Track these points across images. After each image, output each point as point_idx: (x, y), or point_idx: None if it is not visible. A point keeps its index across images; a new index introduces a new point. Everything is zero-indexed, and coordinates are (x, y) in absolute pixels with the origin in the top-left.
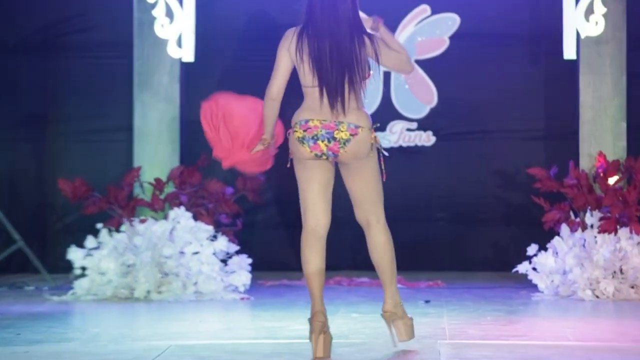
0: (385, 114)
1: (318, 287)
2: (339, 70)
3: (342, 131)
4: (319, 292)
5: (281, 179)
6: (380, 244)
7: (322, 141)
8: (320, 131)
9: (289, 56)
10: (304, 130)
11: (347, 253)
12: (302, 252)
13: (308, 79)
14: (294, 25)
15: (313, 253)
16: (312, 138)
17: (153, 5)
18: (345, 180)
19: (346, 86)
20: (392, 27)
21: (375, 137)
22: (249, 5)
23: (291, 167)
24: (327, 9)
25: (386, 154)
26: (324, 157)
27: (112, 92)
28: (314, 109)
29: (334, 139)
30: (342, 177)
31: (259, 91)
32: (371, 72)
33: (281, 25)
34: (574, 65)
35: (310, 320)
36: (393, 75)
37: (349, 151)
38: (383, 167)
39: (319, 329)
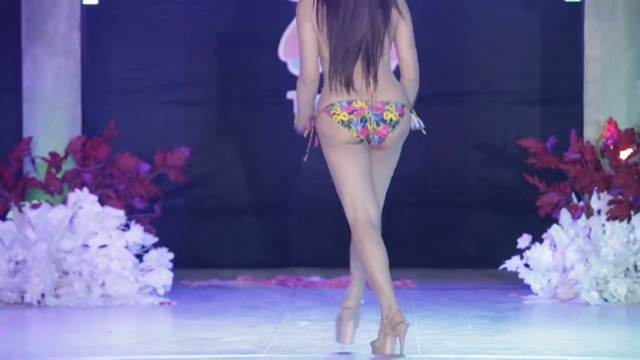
0: None
1: (390, 282)
2: (368, 40)
3: (391, 112)
4: (391, 287)
5: (209, 152)
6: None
7: (371, 124)
8: (368, 113)
9: (312, 26)
10: (350, 113)
11: (294, 245)
12: (363, 248)
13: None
14: None
15: (375, 245)
16: (361, 121)
17: None
18: (376, 168)
19: (381, 58)
20: None
21: (414, 116)
22: None
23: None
24: None
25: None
26: (367, 141)
27: None
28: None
29: (384, 120)
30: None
31: (183, 42)
32: None
33: None
34: (577, 8)
35: (387, 323)
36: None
37: (397, 134)
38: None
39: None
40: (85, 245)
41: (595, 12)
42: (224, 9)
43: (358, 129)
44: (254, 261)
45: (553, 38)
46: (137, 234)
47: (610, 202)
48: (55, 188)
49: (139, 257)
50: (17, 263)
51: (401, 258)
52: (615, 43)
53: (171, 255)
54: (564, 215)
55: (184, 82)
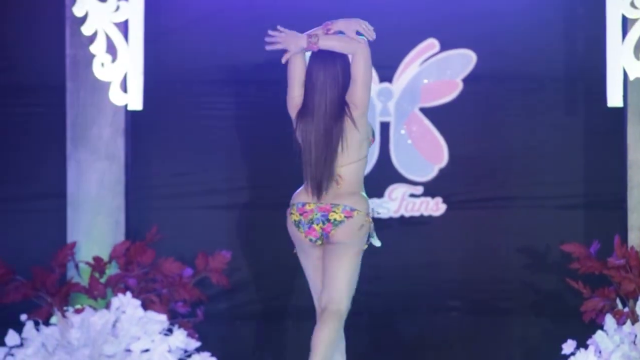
0: (382, 176)
1: None
2: (330, 156)
3: (336, 213)
4: None
5: (252, 256)
6: (329, 332)
7: (317, 224)
8: (316, 214)
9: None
10: (301, 214)
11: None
12: (317, 331)
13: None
14: (262, 65)
15: (325, 329)
16: (308, 222)
17: (91, 39)
18: (324, 260)
19: (343, 167)
20: (393, 66)
21: (371, 223)
22: (211, 40)
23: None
24: (318, 93)
25: (378, 243)
26: (319, 242)
27: (39, 149)
28: (309, 190)
29: (328, 220)
30: (322, 258)
31: (224, 145)
32: (374, 138)
33: (252, 65)
34: (620, 114)
35: None
36: (392, 128)
37: (340, 232)
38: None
39: None
40: (128, 350)
41: (638, 117)
42: (267, 115)
43: (305, 230)
44: None
45: (596, 143)
46: (180, 339)
47: None
48: (99, 293)
49: None
50: None
51: None
52: None
53: None
54: (609, 321)
55: (226, 187)
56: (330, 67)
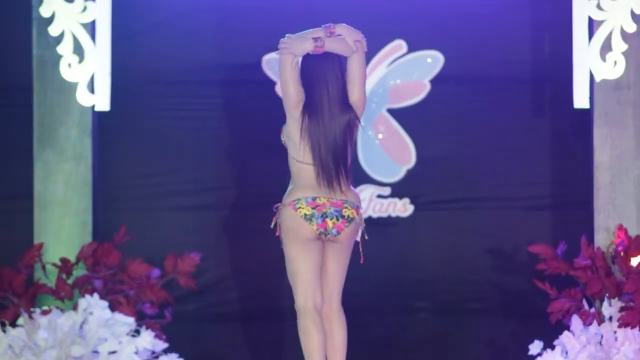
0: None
1: None
2: (337, 150)
3: (348, 209)
4: None
5: (221, 257)
6: (341, 324)
7: (331, 219)
8: (329, 209)
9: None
10: (313, 208)
11: None
12: (308, 332)
13: (306, 155)
14: (230, 66)
15: (318, 332)
16: (322, 216)
17: (58, 40)
18: (326, 256)
19: (342, 166)
20: None
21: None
22: (179, 41)
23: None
24: (323, 89)
25: (366, 237)
26: (325, 235)
27: (5, 149)
28: (314, 186)
29: (342, 216)
30: (323, 254)
31: (193, 146)
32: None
33: (220, 66)
34: (586, 115)
35: None
36: (360, 129)
37: (351, 229)
38: (361, 250)
39: None
40: (95, 352)
41: (605, 119)
42: (235, 116)
43: (318, 223)
44: None
45: (562, 144)
46: (147, 340)
47: (621, 309)
48: (66, 294)
49: None
50: None
51: None
52: (625, 150)
53: None
54: (575, 321)
55: (195, 187)
56: (329, 63)
